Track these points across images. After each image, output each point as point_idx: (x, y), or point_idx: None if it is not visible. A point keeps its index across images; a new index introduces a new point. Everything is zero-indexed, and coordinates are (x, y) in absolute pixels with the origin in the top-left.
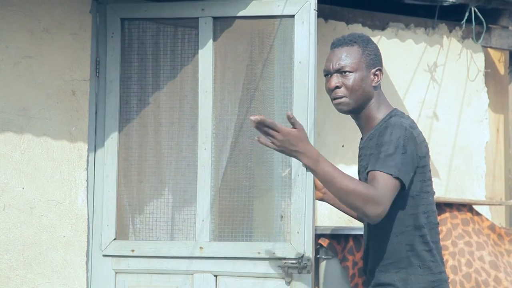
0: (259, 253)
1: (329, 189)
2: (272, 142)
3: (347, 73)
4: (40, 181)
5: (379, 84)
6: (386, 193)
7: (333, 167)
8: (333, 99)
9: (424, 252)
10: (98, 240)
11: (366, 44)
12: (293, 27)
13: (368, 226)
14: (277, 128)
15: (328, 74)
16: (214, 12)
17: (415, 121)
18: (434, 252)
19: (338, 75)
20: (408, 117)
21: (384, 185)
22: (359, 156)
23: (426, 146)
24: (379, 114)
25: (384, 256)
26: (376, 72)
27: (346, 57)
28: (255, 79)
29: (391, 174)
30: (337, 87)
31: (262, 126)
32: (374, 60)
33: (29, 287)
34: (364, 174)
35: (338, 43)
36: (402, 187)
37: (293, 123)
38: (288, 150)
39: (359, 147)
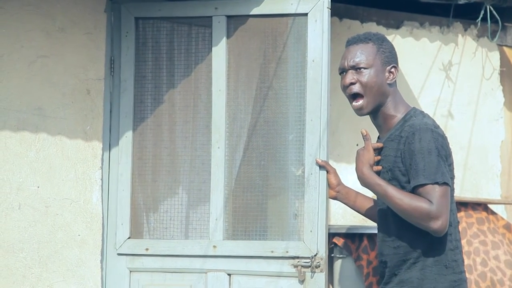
0: (272, 252)
1: (391, 204)
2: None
3: (362, 69)
4: (55, 180)
5: (395, 82)
6: (442, 204)
7: (388, 184)
8: (350, 98)
9: (449, 251)
10: (113, 238)
11: (381, 42)
12: (306, 25)
13: (389, 225)
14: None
15: (343, 71)
16: (227, 10)
17: None
18: (457, 251)
19: (353, 71)
20: (429, 116)
21: (437, 196)
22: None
23: (449, 144)
24: (397, 112)
25: (409, 255)
26: (391, 70)
27: (361, 54)
28: (268, 77)
29: (437, 183)
30: (352, 83)
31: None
32: (389, 57)
33: (44, 285)
34: (386, 174)
35: (352, 41)
36: None
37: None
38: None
39: None
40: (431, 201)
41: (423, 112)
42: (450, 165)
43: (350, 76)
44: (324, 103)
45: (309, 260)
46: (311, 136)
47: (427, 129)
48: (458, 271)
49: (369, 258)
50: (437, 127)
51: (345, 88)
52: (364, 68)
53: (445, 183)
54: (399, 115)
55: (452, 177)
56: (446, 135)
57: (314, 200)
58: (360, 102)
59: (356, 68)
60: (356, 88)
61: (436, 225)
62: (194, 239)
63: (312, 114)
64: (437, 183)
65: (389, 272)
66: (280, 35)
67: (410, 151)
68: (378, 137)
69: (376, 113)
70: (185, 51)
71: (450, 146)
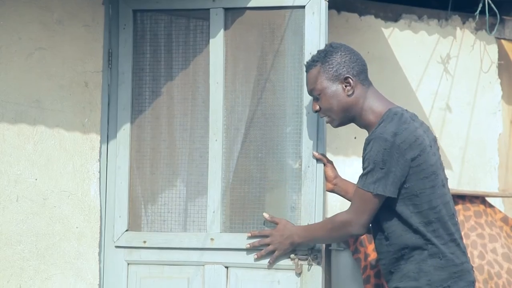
0: (269, 244)
1: (321, 243)
2: (273, 246)
3: (318, 96)
4: (53, 172)
5: (363, 86)
6: (360, 211)
7: (309, 227)
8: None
9: (441, 246)
10: (111, 231)
11: (327, 58)
12: (304, 18)
13: (379, 224)
14: (266, 233)
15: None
16: (225, 3)
17: (428, 113)
18: (450, 244)
19: (314, 99)
20: (400, 117)
21: (360, 203)
22: None
23: (421, 144)
24: (374, 117)
25: (400, 252)
26: (346, 81)
27: (311, 81)
28: (266, 70)
29: (370, 192)
30: (317, 111)
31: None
32: (338, 71)
33: (42, 277)
34: None
35: (306, 67)
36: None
37: (275, 222)
38: (285, 243)
39: None
40: (350, 207)
41: (395, 114)
42: (420, 165)
43: (314, 104)
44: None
45: (306, 253)
46: (309, 128)
47: (380, 138)
48: (458, 262)
49: (366, 251)
50: (397, 133)
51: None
52: (318, 94)
53: (378, 194)
54: (376, 120)
55: (432, 174)
56: (413, 136)
57: (311, 192)
58: (327, 119)
59: (314, 96)
60: (322, 113)
61: (354, 230)
62: (192, 232)
63: (309, 107)
64: (369, 192)
65: (385, 269)
66: (277, 28)
67: (364, 159)
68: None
69: (354, 122)
70: (183, 43)
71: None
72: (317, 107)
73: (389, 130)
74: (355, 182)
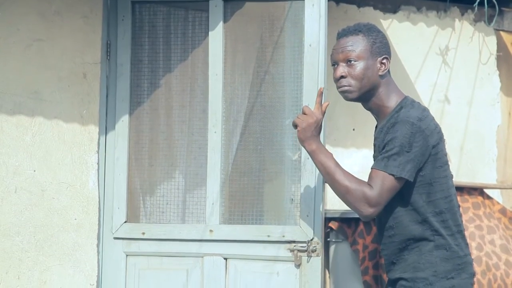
0: (268, 236)
1: (327, 181)
2: (298, 122)
3: (352, 62)
4: (51, 164)
5: (388, 72)
6: (383, 194)
7: (335, 162)
8: (338, 88)
9: (448, 237)
10: (109, 222)
11: (372, 33)
12: (303, 10)
13: (382, 215)
14: (303, 114)
15: (334, 64)
16: None
17: (427, 105)
18: (457, 236)
19: (344, 64)
20: (419, 105)
21: (382, 185)
22: (373, 146)
23: (439, 132)
24: (390, 102)
25: (405, 243)
26: (383, 61)
27: (351, 46)
28: (265, 62)
29: (393, 175)
30: (342, 76)
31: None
32: (380, 48)
33: (41, 269)
34: None
35: (343, 33)
36: (408, 181)
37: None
38: (307, 132)
39: (374, 136)
40: (373, 186)
41: (413, 102)
42: (438, 153)
43: (341, 69)
44: (320, 87)
45: (305, 245)
46: None
47: (407, 122)
48: (462, 254)
49: (365, 243)
50: (423, 119)
51: (336, 80)
52: (355, 61)
53: (401, 178)
54: (392, 105)
55: (445, 164)
56: (434, 124)
57: (310, 184)
58: (345, 88)
59: (347, 61)
60: (345, 82)
61: (368, 211)
62: (191, 223)
63: (308, 99)
64: (392, 175)
65: (387, 260)
66: (277, 20)
67: (386, 140)
68: (376, 127)
69: (367, 102)
70: (182, 35)
71: (443, 132)
72: (343, 73)
73: (414, 115)
74: (354, 175)
